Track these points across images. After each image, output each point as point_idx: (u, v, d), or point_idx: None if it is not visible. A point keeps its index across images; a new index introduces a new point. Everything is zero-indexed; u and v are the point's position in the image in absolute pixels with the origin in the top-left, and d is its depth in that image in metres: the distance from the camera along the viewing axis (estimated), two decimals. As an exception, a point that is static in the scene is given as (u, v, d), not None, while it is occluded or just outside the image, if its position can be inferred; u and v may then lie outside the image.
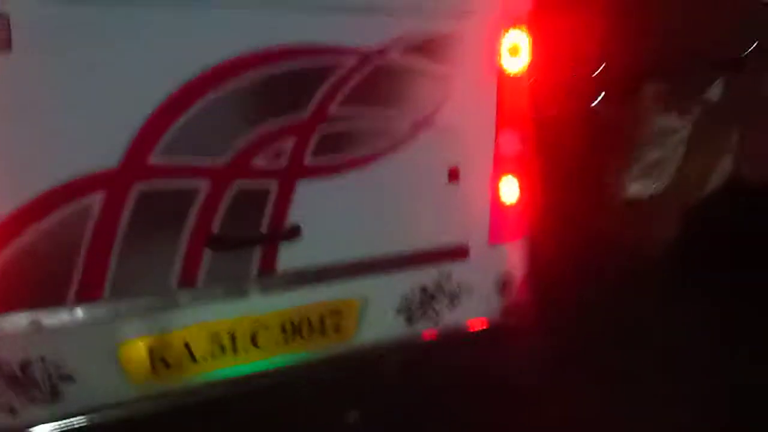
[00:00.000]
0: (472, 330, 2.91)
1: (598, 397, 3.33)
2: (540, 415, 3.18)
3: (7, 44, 1.93)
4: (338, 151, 2.51)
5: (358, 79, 2.48)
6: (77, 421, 2.24)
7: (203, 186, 2.29)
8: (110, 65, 2.08)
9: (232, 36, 2.23)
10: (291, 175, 2.43)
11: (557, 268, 3.67)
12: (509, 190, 2.93)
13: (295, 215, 2.46)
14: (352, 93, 2.47)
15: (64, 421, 2.22)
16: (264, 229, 2.43)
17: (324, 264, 2.56)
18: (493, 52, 2.77)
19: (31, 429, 2.19)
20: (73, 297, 2.17)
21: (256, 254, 2.45)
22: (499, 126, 2.84)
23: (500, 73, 2.81)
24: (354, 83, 2.47)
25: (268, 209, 2.42)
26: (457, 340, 2.86)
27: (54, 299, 2.15)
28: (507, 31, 2.80)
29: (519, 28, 2.83)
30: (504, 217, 2.93)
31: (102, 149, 2.12)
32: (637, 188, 4.96)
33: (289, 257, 2.49)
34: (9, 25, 1.92)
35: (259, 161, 2.37)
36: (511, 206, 2.94)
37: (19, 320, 2.11)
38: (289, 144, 2.41)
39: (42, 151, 2.04)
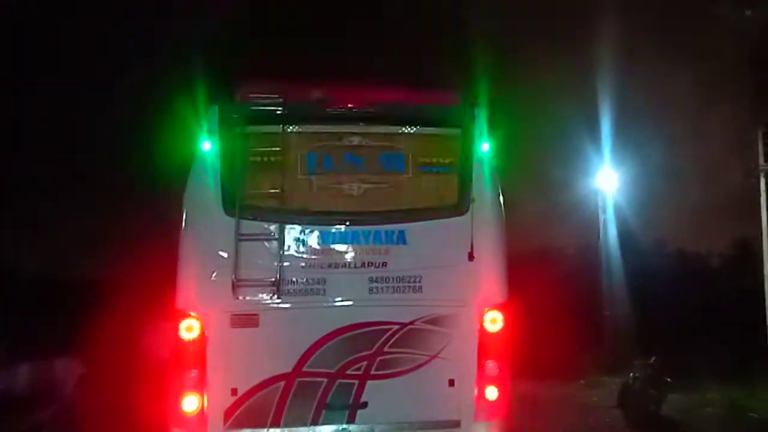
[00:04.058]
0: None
1: None
2: None
3: (257, 323, 5.26)
4: (387, 369, 5.42)
5: (398, 336, 5.42)
6: None
7: (325, 381, 5.36)
8: (291, 333, 5.31)
9: (339, 319, 5.35)
10: (364, 378, 5.40)
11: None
12: (489, 392, 5.53)
13: (365, 396, 5.40)
14: (395, 341, 5.41)
15: None
16: (350, 401, 5.39)
17: (379, 421, 5.42)
18: (478, 321, 5.50)
19: None
20: (270, 422, 5.32)
21: (346, 412, 5.40)
22: (481, 359, 5.50)
23: (483, 331, 5.51)
24: (396, 337, 5.42)
25: (353, 392, 5.39)
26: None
27: (262, 423, 5.31)
28: (488, 310, 5.52)
29: (495, 309, 5.54)
30: (485, 406, 5.52)
31: (285, 364, 5.31)
32: None
33: (362, 416, 5.41)
34: (259, 317, 5.26)
35: (349, 371, 5.38)
36: (491, 401, 5.53)
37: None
38: (364, 364, 5.39)
39: (265, 363, 5.30)
